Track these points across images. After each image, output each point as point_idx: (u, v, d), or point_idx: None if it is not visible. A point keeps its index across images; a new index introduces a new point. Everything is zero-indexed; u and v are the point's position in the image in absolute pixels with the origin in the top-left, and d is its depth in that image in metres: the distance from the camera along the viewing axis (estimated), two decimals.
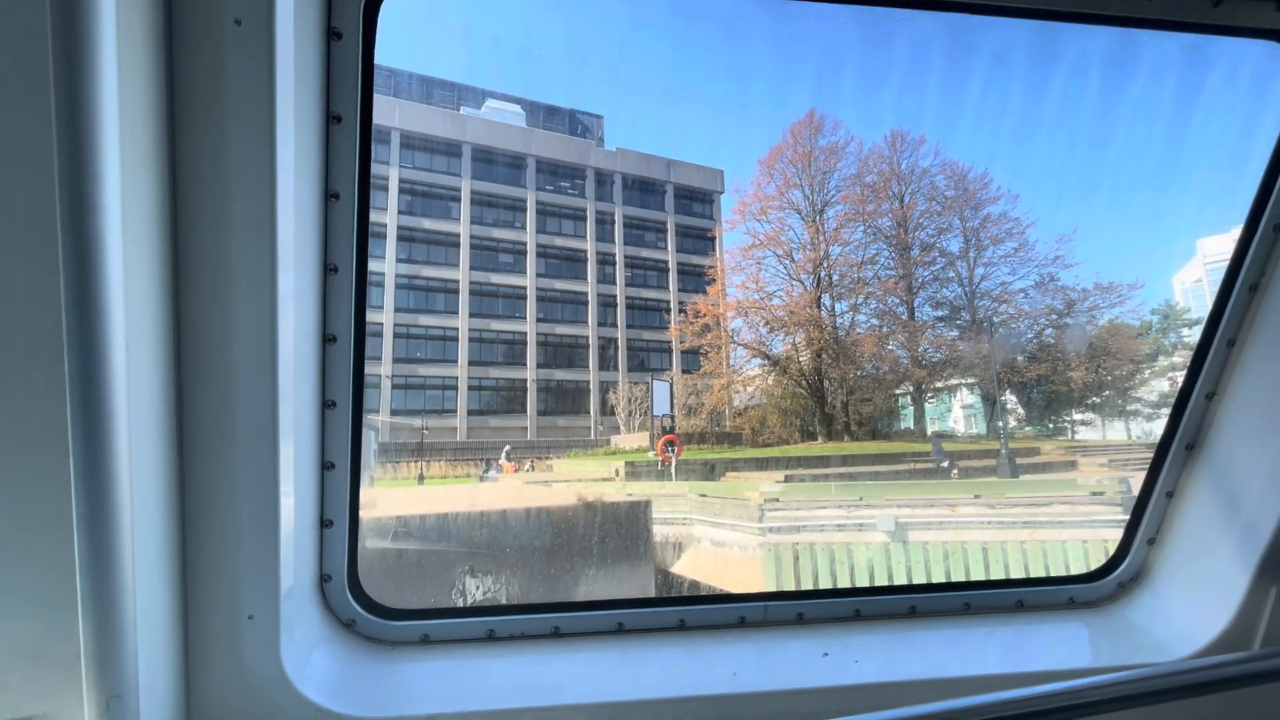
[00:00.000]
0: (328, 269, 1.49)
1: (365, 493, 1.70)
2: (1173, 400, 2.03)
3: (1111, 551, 2.14)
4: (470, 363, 37.40)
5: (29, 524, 1.06)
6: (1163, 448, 2.02)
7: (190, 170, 1.24)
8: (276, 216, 1.27)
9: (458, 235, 38.41)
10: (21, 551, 1.07)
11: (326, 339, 1.52)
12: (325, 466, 1.58)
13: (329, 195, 1.45)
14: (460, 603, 6.64)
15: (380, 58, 1.51)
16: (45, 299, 1.02)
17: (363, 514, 1.73)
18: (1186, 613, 1.91)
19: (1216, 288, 1.94)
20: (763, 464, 23.73)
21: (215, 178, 1.25)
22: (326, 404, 1.55)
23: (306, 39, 1.31)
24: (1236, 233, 1.89)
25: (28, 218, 1.01)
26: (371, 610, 1.70)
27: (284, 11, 1.21)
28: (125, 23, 1.05)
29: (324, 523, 1.61)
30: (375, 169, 1.51)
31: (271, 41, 1.19)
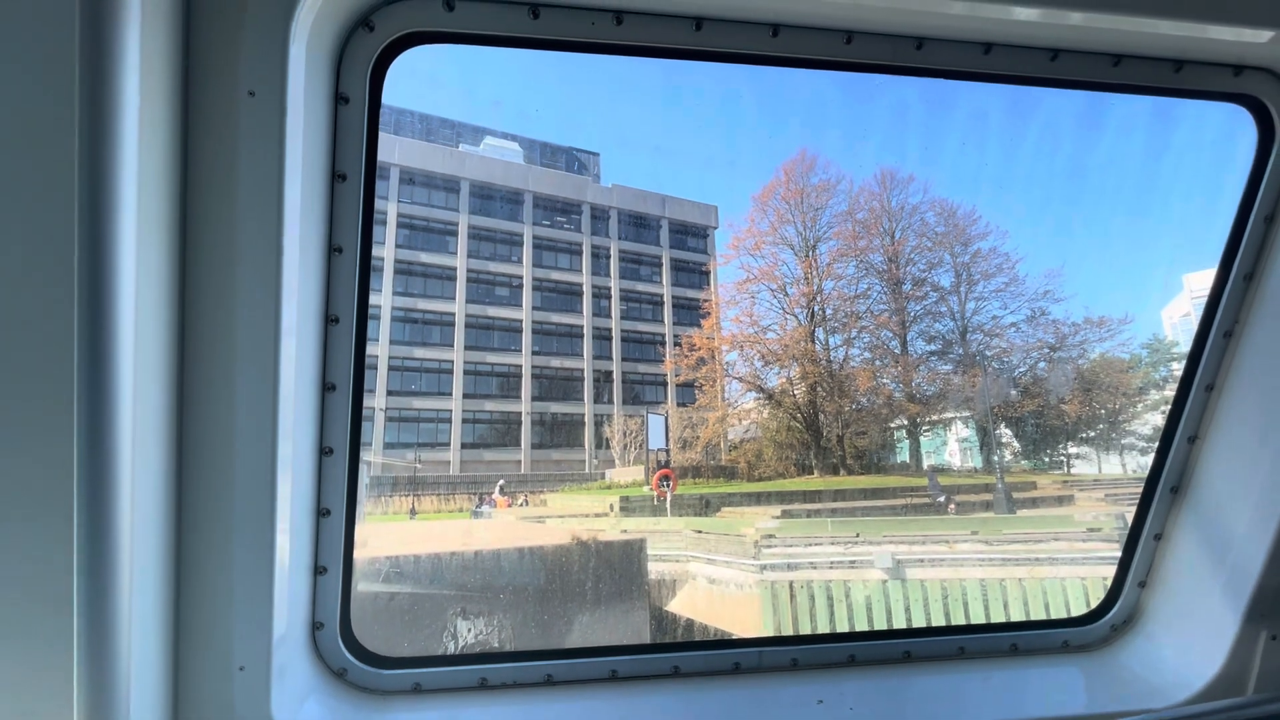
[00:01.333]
0: (329, 319, 1.53)
1: (355, 532, 1.71)
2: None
3: (1108, 589, 2.14)
4: (465, 395, 37.27)
5: (25, 575, 1.07)
6: (1149, 490, 2.05)
7: (200, 226, 1.29)
8: (282, 269, 1.31)
9: (454, 269, 38.72)
10: (16, 605, 1.07)
11: (326, 386, 1.55)
12: (321, 513, 1.59)
13: (332, 249, 1.50)
14: (451, 648, 6.50)
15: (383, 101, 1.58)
16: (58, 354, 1.05)
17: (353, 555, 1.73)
18: (1179, 657, 1.91)
19: None
20: (759, 498, 23.54)
21: (224, 233, 1.29)
22: (324, 450, 1.57)
23: (315, 104, 1.38)
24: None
25: (48, 270, 1.05)
26: (363, 659, 1.69)
27: (295, 81, 1.27)
28: (147, 95, 1.11)
29: (318, 569, 1.61)
30: (375, 204, 1.57)
31: (283, 109, 1.25)
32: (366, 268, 1.56)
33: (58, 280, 1.05)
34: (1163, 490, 2.01)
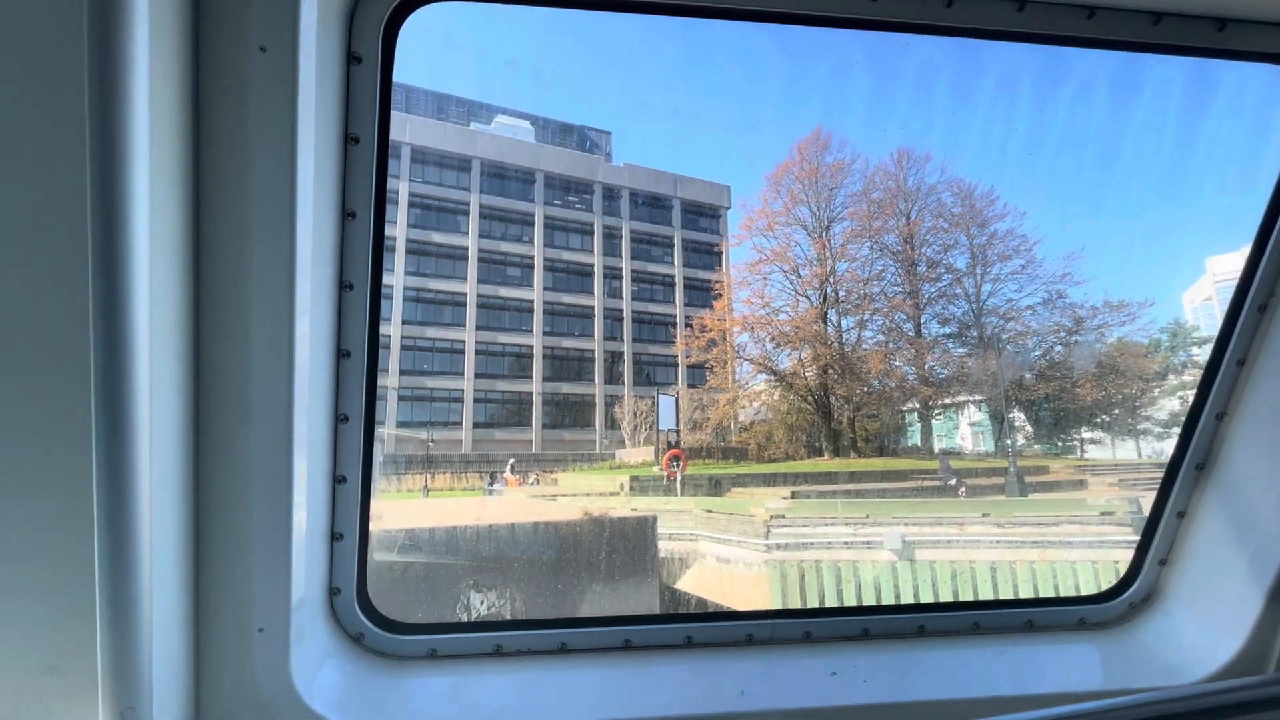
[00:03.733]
0: (343, 285, 1.51)
1: (371, 499, 1.71)
2: (1182, 419, 2.02)
3: (1122, 573, 2.12)
4: (477, 375, 37.49)
5: (50, 539, 1.08)
6: (1173, 468, 2.01)
7: (213, 189, 1.28)
8: (295, 234, 1.30)
9: (466, 249, 38.72)
10: (42, 566, 1.08)
11: (341, 354, 1.54)
12: (337, 480, 1.59)
13: (346, 214, 1.48)
14: (464, 618, 6.61)
15: (395, 75, 1.55)
16: (73, 321, 1.05)
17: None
18: (1199, 635, 1.89)
19: (1226, 306, 1.94)
20: (768, 480, 23.59)
21: (237, 197, 1.28)
22: (339, 418, 1.57)
23: (327, 63, 1.35)
24: (1246, 251, 1.90)
25: (60, 233, 1.04)
26: (379, 624, 1.71)
27: (306, 38, 1.24)
28: (157, 50, 1.09)
29: (334, 536, 1.62)
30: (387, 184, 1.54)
31: (294, 67, 1.23)
32: (380, 234, 1.54)
33: (70, 239, 1.04)
34: (1188, 467, 1.97)
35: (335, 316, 1.52)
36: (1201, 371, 1.97)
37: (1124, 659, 1.93)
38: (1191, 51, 1.67)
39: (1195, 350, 29.14)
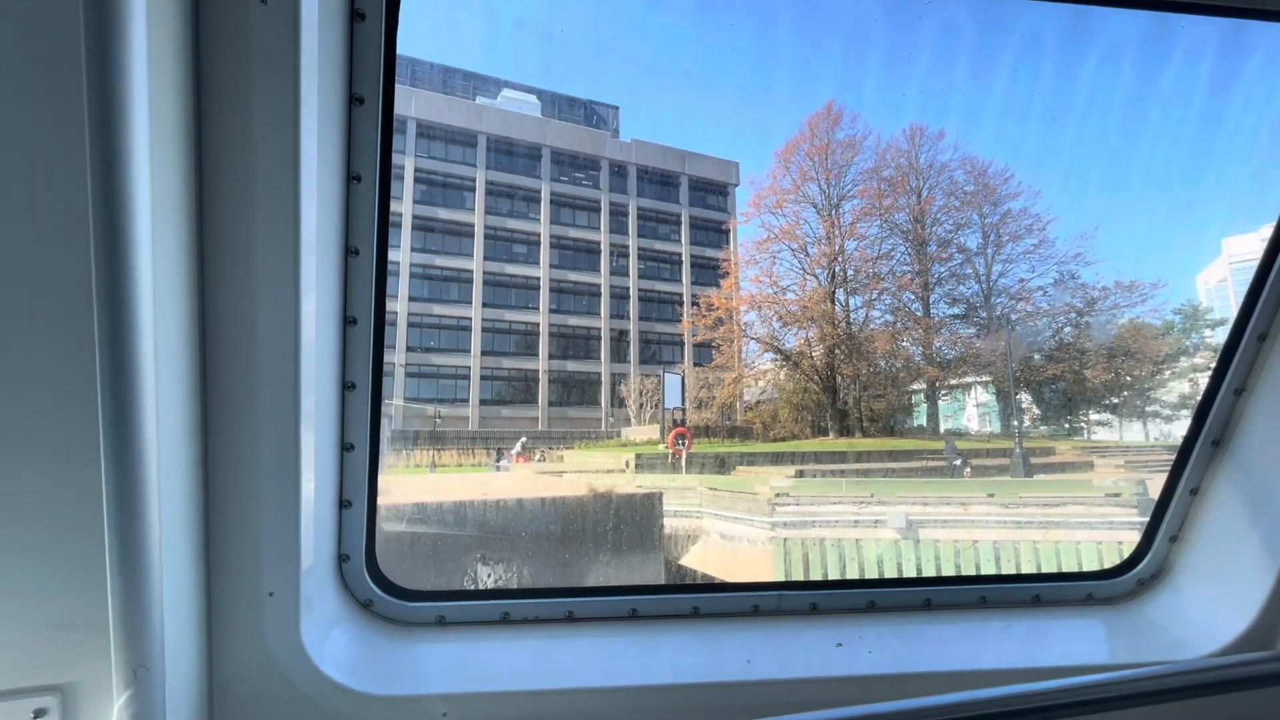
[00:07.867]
0: (349, 251, 1.49)
1: (379, 467, 1.71)
2: (1193, 401, 1.98)
3: (1127, 554, 2.11)
4: (483, 353, 37.57)
5: (61, 500, 1.09)
6: (1188, 444, 1.98)
7: (216, 151, 1.25)
8: (300, 198, 1.27)
9: (472, 225, 38.51)
10: (54, 526, 1.09)
11: (347, 321, 1.53)
12: (345, 448, 1.59)
13: (351, 177, 1.46)
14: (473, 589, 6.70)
15: (400, 46, 1.51)
16: (77, 283, 1.03)
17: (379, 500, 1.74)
18: (1208, 611, 1.88)
19: (1240, 287, 1.90)
20: (774, 459, 23.66)
21: (240, 159, 1.25)
22: (347, 386, 1.56)
23: (330, 20, 1.31)
24: (1264, 232, 1.85)
25: (60, 197, 1.02)
26: (388, 591, 1.72)
27: None
28: (155, 2, 1.06)
29: (343, 503, 1.62)
30: (392, 157, 1.51)
31: (296, 21, 1.19)
32: (386, 198, 1.51)
33: (69, 205, 1.02)
34: (1203, 444, 1.94)
35: (341, 283, 1.51)
36: (1214, 354, 1.94)
37: (1131, 634, 1.92)
38: (1224, 11, 1.61)
39: (1208, 332, 28.80)
